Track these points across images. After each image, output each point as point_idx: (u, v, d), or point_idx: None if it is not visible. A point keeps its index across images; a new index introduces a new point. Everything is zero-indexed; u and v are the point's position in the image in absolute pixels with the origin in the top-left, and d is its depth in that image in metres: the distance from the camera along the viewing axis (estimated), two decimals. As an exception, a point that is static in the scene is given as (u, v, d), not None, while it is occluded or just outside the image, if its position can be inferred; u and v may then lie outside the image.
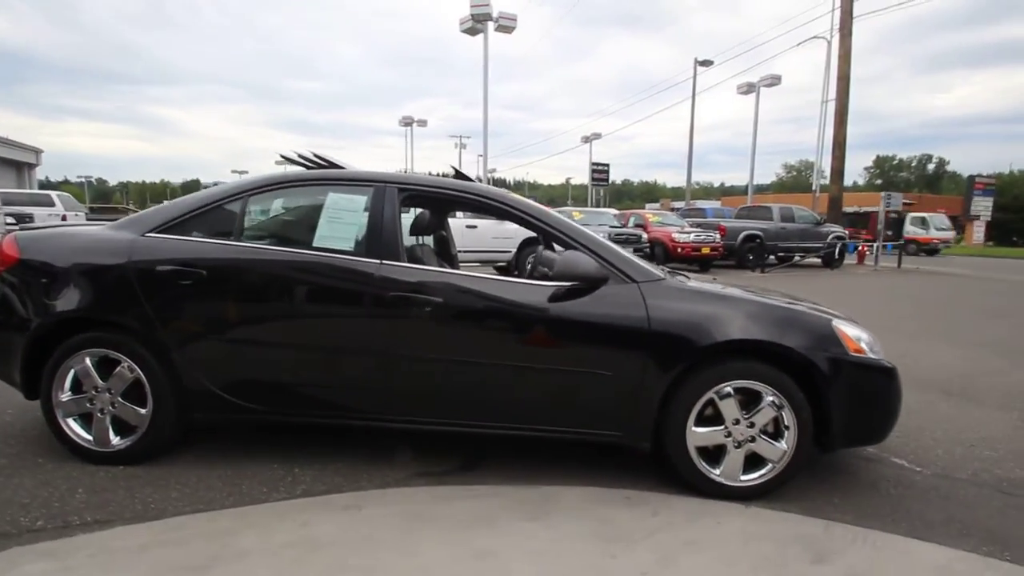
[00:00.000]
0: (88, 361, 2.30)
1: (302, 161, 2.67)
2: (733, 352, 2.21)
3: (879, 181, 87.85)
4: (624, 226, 13.49)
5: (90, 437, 2.35)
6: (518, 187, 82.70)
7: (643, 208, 40.04)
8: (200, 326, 2.31)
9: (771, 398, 2.20)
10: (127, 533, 1.89)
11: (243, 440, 2.65)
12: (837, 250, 14.77)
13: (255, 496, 2.18)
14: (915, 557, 1.90)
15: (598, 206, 30.29)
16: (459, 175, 2.67)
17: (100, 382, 2.31)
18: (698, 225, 14.70)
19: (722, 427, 2.23)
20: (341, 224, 2.37)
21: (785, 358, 2.20)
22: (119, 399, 2.32)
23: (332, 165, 2.65)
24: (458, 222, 10.22)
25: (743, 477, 2.25)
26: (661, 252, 12.55)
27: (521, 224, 2.47)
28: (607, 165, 38.09)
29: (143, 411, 2.32)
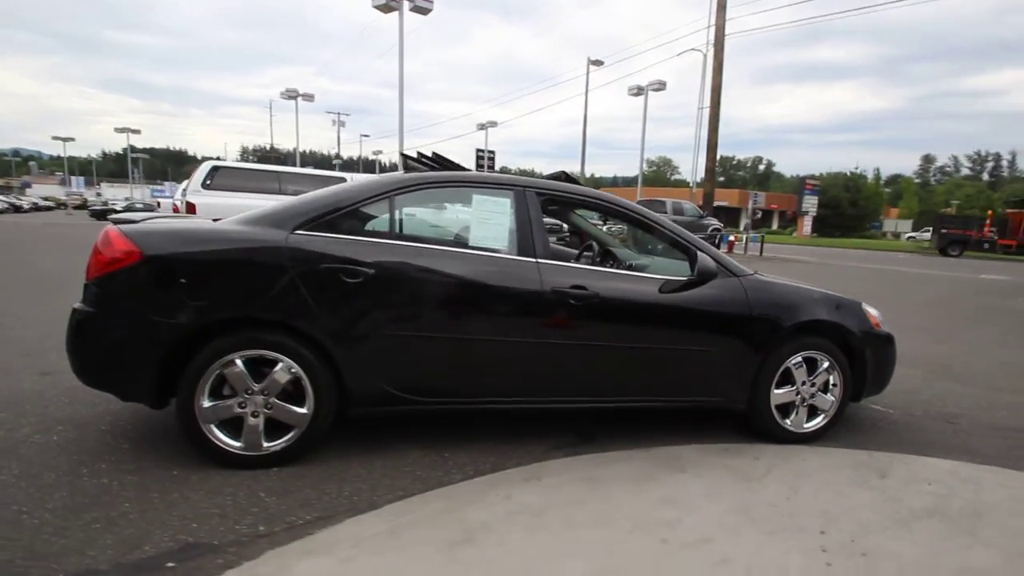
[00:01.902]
0: (240, 363, 2.23)
1: (426, 162, 2.76)
2: (804, 329, 2.84)
3: (722, 178, 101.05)
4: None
5: (237, 442, 2.28)
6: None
7: None
8: (365, 323, 2.35)
9: (826, 363, 2.89)
10: (360, 523, 1.97)
11: (361, 434, 2.70)
12: (716, 241, 17.09)
13: (435, 479, 2.33)
14: (934, 467, 2.70)
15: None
16: (568, 178, 2.94)
17: (254, 384, 2.26)
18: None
19: (793, 388, 2.87)
20: (491, 225, 2.56)
21: (835, 332, 2.90)
22: (275, 400, 2.29)
23: (455, 166, 2.77)
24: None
25: (805, 425, 2.92)
26: (577, 242, 13.52)
27: (637, 226, 2.86)
28: (492, 152, 38.84)
29: (301, 410, 2.31)
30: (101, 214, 31.59)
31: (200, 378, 2.21)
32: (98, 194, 66.53)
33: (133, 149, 63.93)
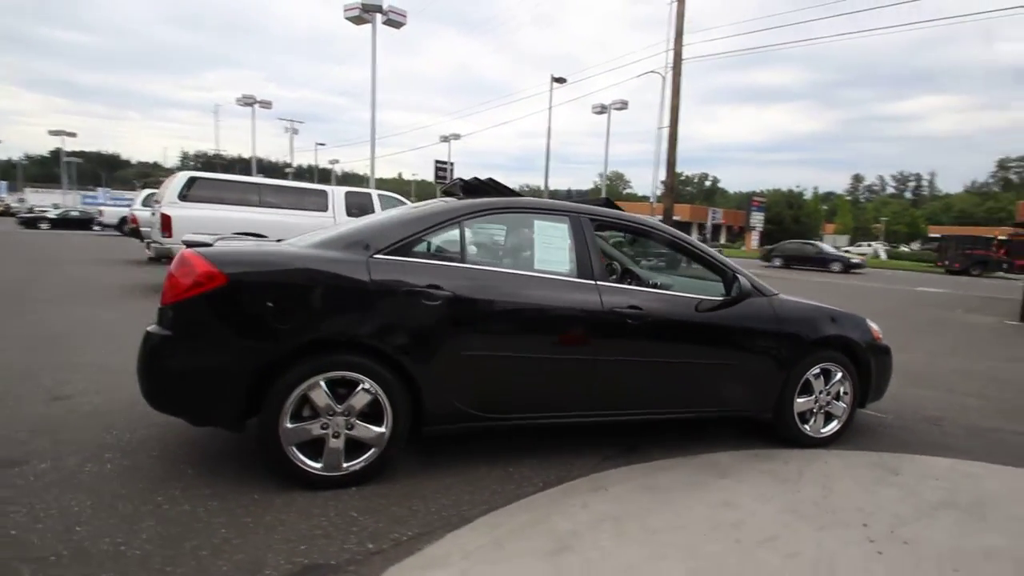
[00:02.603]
0: (323, 385, 2.28)
1: (484, 186, 2.89)
2: (821, 343, 3.15)
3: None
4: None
5: (317, 463, 2.32)
6: (360, 179, 79.05)
7: None
8: (443, 344, 2.44)
9: (839, 374, 3.21)
10: (461, 538, 2.06)
11: (414, 452, 2.77)
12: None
13: (510, 493, 2.44)
14: (935, 464, 3.04)
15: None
16: (610, 204, 3.13)
17: (336, 405, 2.30)
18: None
19: (812, 397, 3.16)
20: (553, 249, 2.72)
21: (847, 345, 3.22)
22: (356, 420, 2.34)
23: (510, 191, 2.92)
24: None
25: (822, 430, 3.22)
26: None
27: (679, 251, 3.09)
28: (451, 163, 39.00)
29: (380, 429, 2.37)
30: (31, 222, 29.31)
31: (285, 400, 2.23)
32: (21, 200, 61.58)
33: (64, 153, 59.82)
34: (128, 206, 20.60)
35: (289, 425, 2.26)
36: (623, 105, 24.99)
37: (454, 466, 2.66)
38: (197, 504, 2.17)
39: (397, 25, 16.55)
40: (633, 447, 3.07)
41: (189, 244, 2.39)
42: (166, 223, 7.88)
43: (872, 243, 43.38)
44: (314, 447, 2.32)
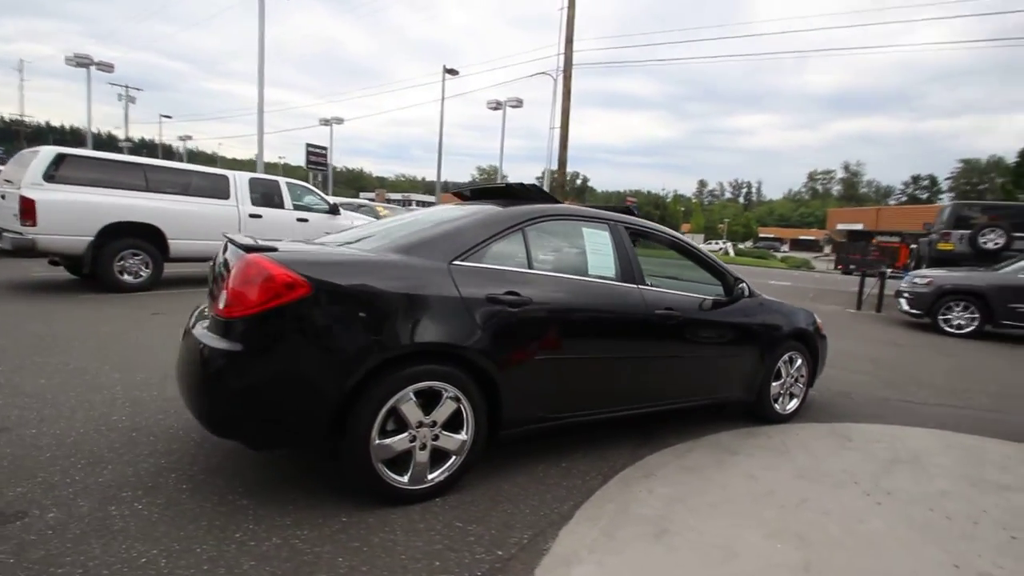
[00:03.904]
0: (412, 396, 2.20)
1: (527, 191, 2.94)
2: (791, 335, 3.73)
3: (545, 190, 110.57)
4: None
5: (403, 477, 2.24)
6: (210, 160, 70.27)
7: (358, 197, 40.31)
8: (521, 349, 2.47)
9: (799, 360, 3.83)
10: (574, 533, 2.16)
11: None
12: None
13: (580, 487, 2.58)
14: (867, 430, 3.79)
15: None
16: (630, 211, 3.34)
17: (424, 416, 2.24)
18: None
19: (782, 381, 3.74)
20: (601, 255, 2.88)
21: (806, 335, 3.86)
22: (440, 431, 2.30)
23: (550, 197, 3.00)
24: (289, 214, 9.25)
25: (787, 408, 3.83)
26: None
27: (688, 256, 3.43)
28: (325, 148, 36.75)
29: (462, 437, 2.36)
30: None
31: (376, 415, 2.12)
32: None
33: None
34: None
35: (379, 441, 2.15)
36: (518, 103, 25.65)
37: (513, 468, 2.71)
38: (287, 536, 1.98)
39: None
40: (649, 435, 3.37)
41: (251, 248, 2.13)
42: (28, 209, 6.45)
43: (720, 241, 49.81)
44: (396, 461, 2.24)
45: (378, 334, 2.12)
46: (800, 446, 3.36)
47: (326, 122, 31.64)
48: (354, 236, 2.75)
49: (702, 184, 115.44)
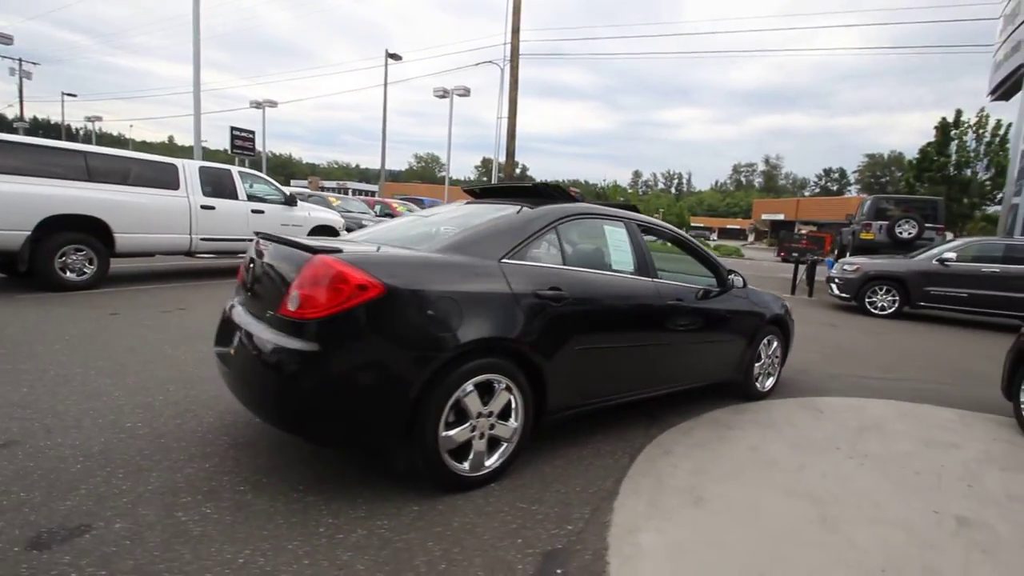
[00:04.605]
0: (472, 388, 2.33)
1: (549, 189, 3.08)
2: (770, 321, 4.14)
3: (485, 177, 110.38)
4: (386, 215, 14.01)
5: (464, 466, 2.37)
6: (120, 143, 64.34)
7: (288, 184, 38.53)
8: (563, 341, 2.63)
9: (776, 343, 4.26)
10: (625, 506, 2.38)
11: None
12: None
13: (613, 466, 2.80)
14: (832, 402, 4.30)
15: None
16: (634, 208, 3.56)
17: (483, 407, 2.37)
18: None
19: (763, 361, 4.16)
20: (621, 251, 3.09)
21: (781, 320, 4.29)
22: (495, 420, 2.43)
23: (569, 195, 3.17)
24: (243, 205, 8.83)
25: (766, 386, 4.25)
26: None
27: (686, 251, 3.71)
28: (252, 132, 34.78)
29: (514, 425, 2.51)
30: None
31: (443, 409, 2.23)
32: None
33: None
34: None
35: (444, 433, 2.26)
36: (465, 92, 25.41)
37: (548, 453, 2.89)
38: (370, 527, 2.06)
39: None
40: (654, 416, 3.65)
41: (317, 250, 2.15)
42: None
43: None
44: (457, 450, 2.35)
45: (447, 331, 2.22)
46: (784, 420, 3.77)
47: (257, 104, 29.86)
48: (397, 236, 2.79)
49: (637, 175, 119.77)
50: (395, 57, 25.97)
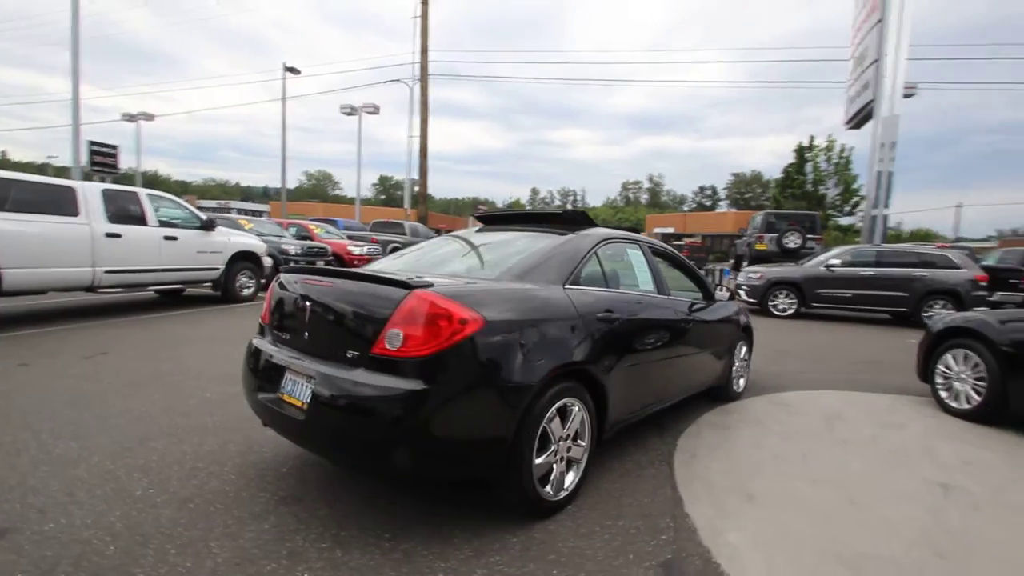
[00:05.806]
0: (555, 413, 2.37)
1: (574, 216, 3.22)
2: (742, 328, 4.61)
3: (383, 196, 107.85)
4: (304, 239, 13.24)
5: (549, 490, 2.40)
6: None
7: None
8: (618, 361, 2.76)
9: (744, 347, 4.76)
10: (694, 507, 2.54)
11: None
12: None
13: (658, 469, 2.97)
14: (793, 396, 4.86)
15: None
16: (637, 231, 3.79)
17: (563, 431, 2.43)
18: (351, 237, 15.97)
19: (736, 365, 4.61)
20: (643, 272, 3.31)
21: (748, 327, 4.79)
22: (571, 443, 2.50)
23: (593, 222, 3.33)
24: (154, 232, 7.92)
25: (740, 386, 4.72)
26: (338, 263, 13.23)
27: (680, 269, 4.03)
28: (115, 147, 31.29)
29: (584, 445, 2.58)
30: None
31: (534, 436, 2.25)
32: None
33: None
34: None
35: (536, 460, 2.28)
36: (375, 109, 24.76)
37: (596, 469, 2.99)
38: (488, 566, 2.02)
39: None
40: (662, 426, 3.90)
41: (405, 284, 2.09)
42: None
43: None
44: (543, 477, 2.38)
45: (540, 358, 2.26)
46: (767, 417, 4.22)
47: (131, 118, 26.65)
48: (451, 267, 2.80)
49: (535, 192, 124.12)
50: (293, 71, 24.74)
